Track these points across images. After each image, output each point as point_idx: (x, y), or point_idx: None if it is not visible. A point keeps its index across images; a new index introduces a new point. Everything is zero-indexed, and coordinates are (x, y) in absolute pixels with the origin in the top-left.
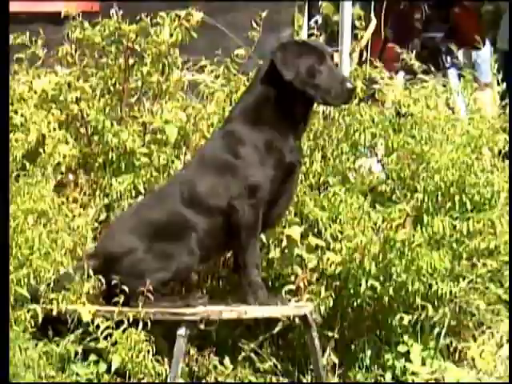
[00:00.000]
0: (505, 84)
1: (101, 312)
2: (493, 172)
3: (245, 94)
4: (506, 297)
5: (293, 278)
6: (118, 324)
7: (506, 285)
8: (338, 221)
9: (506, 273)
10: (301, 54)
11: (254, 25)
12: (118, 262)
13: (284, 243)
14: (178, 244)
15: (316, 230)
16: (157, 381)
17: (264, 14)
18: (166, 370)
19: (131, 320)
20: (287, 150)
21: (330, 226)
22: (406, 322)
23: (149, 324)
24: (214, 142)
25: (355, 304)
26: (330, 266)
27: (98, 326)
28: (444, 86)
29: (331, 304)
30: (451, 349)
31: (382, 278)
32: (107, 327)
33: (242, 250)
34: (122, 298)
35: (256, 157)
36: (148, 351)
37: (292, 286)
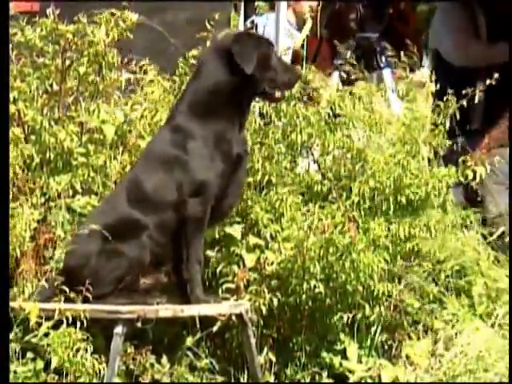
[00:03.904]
0: (438, 84)
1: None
2: (427, 171)
3: (190, 87)
4: (440, 296)
5: (231, 277)
6: (58, 322)
7: (440, 283)
8: (278, 221)
9: (441, 273)
10: (255, 46)
11: (208, 26)
12: (78, 274)
13: (223, 241)
14: (128, 242)
15: (256, 229)
16: (94, 379)
17: (216, 17)
18: (104, 369)
19: (70, 319)
20: (235, 141)
21: (268, 227)
22: (345, 320)
23: (85, 322)
24: (161, 138)
25: (296, 303)
26: (271, 264)
27: (39, 324)
28: (378, 85)
29: (275, 303)
30: (386, 346)
31: (321, 278)
32: (42, 324)
33: (186, 245)
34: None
35: (205, 151)
36: (86, 350)
37: (231, 285)
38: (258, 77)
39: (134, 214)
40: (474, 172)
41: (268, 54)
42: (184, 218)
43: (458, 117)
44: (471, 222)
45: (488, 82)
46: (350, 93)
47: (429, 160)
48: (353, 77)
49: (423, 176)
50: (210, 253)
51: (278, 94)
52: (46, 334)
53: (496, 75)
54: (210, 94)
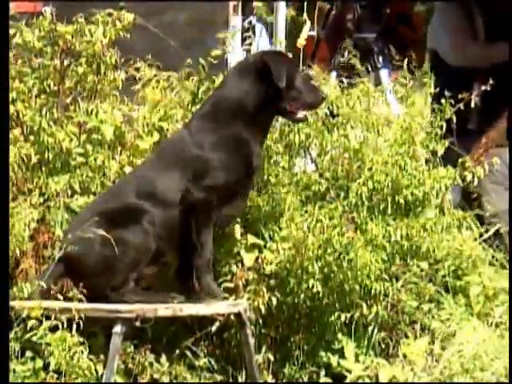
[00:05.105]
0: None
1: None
2: (425, 172)
3: (214, 96)
4: (437, 296)
5: (230, 276)
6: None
7: (437, 282)
8: (277, 221)
9: (440, 272)
10: (284, 63)
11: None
12: (82, 264)
13: (222, 241)
14: (132, 229)
15: (254, 228)
16: (92, 379)
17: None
18: (101, 369)
19: (65, 322)
20: (256, 154)
21: (266, 226)
22: (343, 320)
23: (82, 324)
24: (179, 139)
25: (294, 302)
26: (270, 264)
27: (40, 322)
28: (376, 85)
29: (274, 303)
30: (383, 345)
31: (319, 278)
32: (42, 323)
33: (197, 233)
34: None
35: (225, 157)
36: (82, 352)
37: (230, 284)
38: (283, 94)
39: (142, 206)
40: (473, 174)
41: (294, 74)
42: (191, 207)
43: (454, 118)
44: (468, 223)
45: (483, 87)
46: (348, 93)
47: (427, 160)
48: (351, 76)
49: (421, 177)
50: None
51: (300, 114)
52: (47, 333)
53: (490, 81)
54: (236, 105)
